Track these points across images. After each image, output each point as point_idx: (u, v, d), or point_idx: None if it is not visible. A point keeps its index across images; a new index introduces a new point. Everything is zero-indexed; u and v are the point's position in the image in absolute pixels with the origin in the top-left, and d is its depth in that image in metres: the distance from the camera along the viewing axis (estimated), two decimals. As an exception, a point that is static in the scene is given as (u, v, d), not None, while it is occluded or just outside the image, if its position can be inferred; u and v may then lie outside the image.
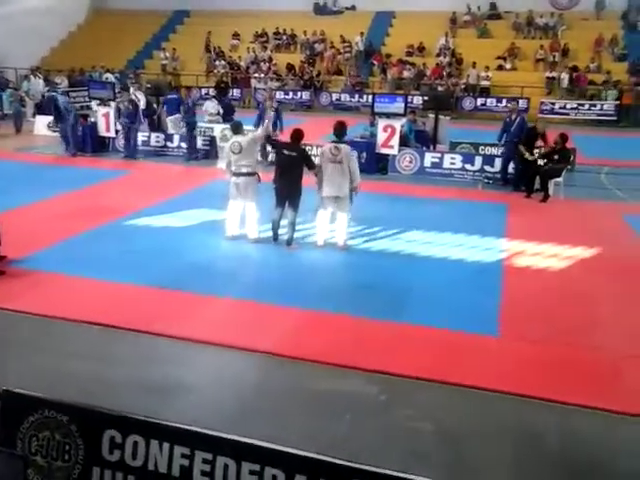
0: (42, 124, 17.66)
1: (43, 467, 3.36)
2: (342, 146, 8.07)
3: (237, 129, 8.61)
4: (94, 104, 15.56)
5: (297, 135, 8.15)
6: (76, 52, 28.21)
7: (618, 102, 22.30)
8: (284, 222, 8.24)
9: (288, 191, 8.01)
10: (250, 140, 8.32)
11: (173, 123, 15.26)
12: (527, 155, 11.36)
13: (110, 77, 23.84)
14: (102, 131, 14.88)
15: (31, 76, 22.22)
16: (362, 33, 27.42)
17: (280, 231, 8.28)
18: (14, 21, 26.04)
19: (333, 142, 8.16)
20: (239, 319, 6.17)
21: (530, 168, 11.39)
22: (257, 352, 5.46)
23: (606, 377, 5.21)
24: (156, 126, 15.55)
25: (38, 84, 21.53)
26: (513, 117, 12.25)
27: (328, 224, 8.34)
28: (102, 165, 13.68)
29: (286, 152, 8.01)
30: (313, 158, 8.61)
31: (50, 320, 5.98)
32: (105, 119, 14.78)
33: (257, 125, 13.26)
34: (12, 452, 3.21)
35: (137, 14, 31.25)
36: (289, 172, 7.93)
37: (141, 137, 14.83)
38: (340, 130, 8.28)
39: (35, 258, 7.55)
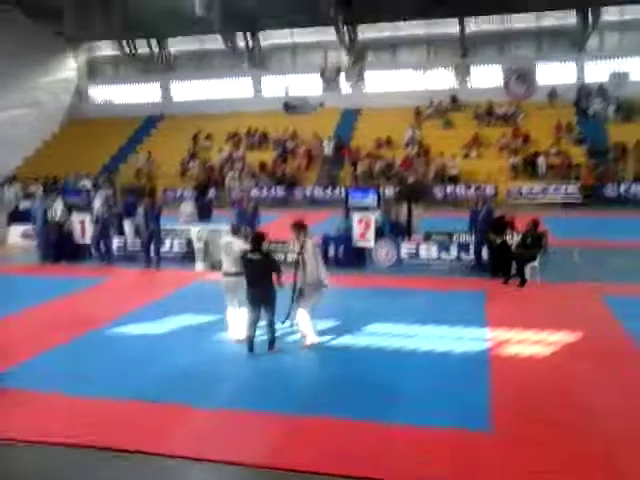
0: (16, 233, 17.59)
1: None
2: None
3: (236, 232, 8.82)
4: (59, 210, 15.55)
5: (257, 239, 7.99)
6: (51, 160, 28.69)
7: (580, 184, 23.16)
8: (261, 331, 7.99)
9: (261, 295, 7.77)
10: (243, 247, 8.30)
11: (130, 226, 15.29)
12: (496, 239, 11.62)
13: (87, 184, 24.14)
14: (78, 238, 14.84)
15: (5, 185, 22.41)
16: (330, 137, 28.31)
17: (259, 331, 8.08)
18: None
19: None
20: (221, 431, 5.92)
21: (504, 253, 11.57)
22: (242, 465, 5.22)
23: (600, 465, 5.04)
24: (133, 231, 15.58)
25: (11, 193, 21.68)
26: (479, 206, 12.60)
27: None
28: (79, 273, 13.55)
29: (250, 256, 7.81)
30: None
31: (23, 445, 5.65)
32: (81, 226, 14.79)
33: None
34: None
35: (112, 120, 32.18)
36: (257, 276, 7.72)
37: (116, 242, 14.83)
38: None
39: (8, 376, 7.22)
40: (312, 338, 8.22)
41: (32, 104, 30.96)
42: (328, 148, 27.32)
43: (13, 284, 12.42)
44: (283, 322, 7.98)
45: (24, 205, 18.09)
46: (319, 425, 5.93)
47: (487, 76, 30.29)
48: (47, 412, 6.34)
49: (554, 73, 29.31)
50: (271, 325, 7.87)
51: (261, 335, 8.00)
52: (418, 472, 5.04)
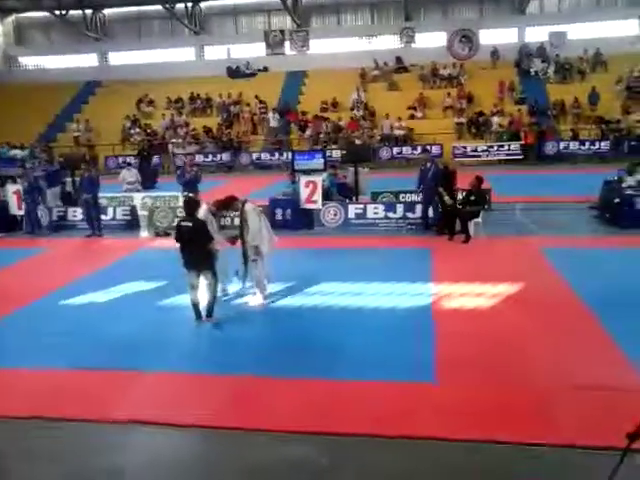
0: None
1: None
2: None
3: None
4: None
5: (190, 205, 7.82)
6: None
7: (522, 142, 23.66)
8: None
9: (195, 261, 7.51)
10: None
11: (52, 196, 14.87)
12: (446, 199, 11.76)
13: (18, 153, 23.10)
14: (14, 209, 14.27)
15: None
16: (274, 109, 27.70)
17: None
18: None
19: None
20: (175, 393, 5.88)
21: (450, 211, 11.76)
22: (192, 426, 5.20)
23: (538, 413, 5.25)
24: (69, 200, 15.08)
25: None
26: (428, 165, 12.68)
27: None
28: (15, 244, 13.05)
29: (182, 224, 7.61)
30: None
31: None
32: (16, 197, 14.20)
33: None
34: None
35: (46, 87, 30.74)
36: (189, 242, 7.46)
37: (56, 212, 14.36)
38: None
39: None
40: (258, 299, 8.26)
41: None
42: (274, 120, 26.78)
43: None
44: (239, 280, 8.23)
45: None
46: (265, 384, 5.95)
47: (431, 38, 30.27)
48: (-15, 385, 6.15)
49: (496, 34, 29.56)
50: (210, 292, 7.61)
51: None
52: (365, 422, 5.13)
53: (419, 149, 23.11)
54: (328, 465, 4.62)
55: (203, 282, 7.62)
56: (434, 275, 9.30)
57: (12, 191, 14.24)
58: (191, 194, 12.72)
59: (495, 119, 25.08)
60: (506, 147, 23.72)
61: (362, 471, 4.57)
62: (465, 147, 23.94)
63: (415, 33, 30.28)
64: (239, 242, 8.37)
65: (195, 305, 7.61)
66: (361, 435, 4.95)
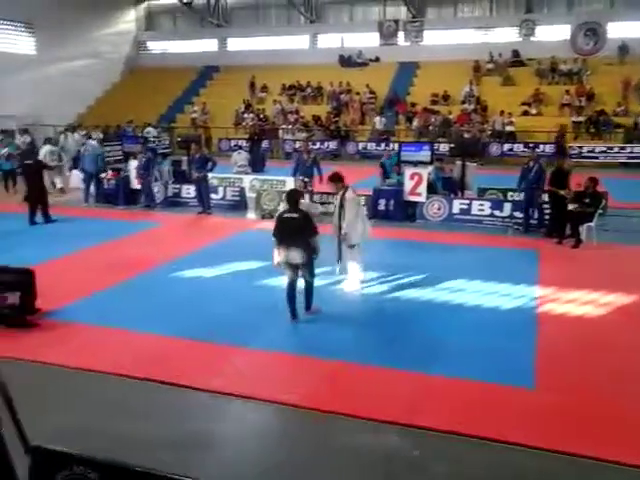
0: (77, 178, 18.16)
1: (72, 526, 3.30)
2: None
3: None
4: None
5: (293, 197, 7.44)
6: (111, 109, 29.33)
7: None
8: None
9: (295, 255, 7.14)
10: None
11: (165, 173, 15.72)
12: (562, 192, 11.23)
13: (152, 131, 24.56)
14: (134, 184, 15.26)
15: (68, 133, 22.98)
16: (381, 113, 27.31)
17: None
18: (54, 82, 27.36)
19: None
20: (270, 371, 6.13)
21: (563, 212, 11.24)
22: (287, 405, 5.38)
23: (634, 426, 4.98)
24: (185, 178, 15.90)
25: (74, 140, 22.25)
26: (531, 164, 12.13)
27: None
28: (134, 217, 13.97)
29: (286, 216, 7.27)
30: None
31: (82, 373, 6.01)
32: (136, 172, 15.17)
33: (294, 175, 13.88)
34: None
35: (169, 71, 32.51)
36: (293, 237, 7.10)
37: (172, 189, 15.22)
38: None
39: (68, 310, 7.66)
40: (354, 284, 8.39)
41: (93, 55, 31.53)
42: (380, 123, 26.50)
43: (73, 226, 12.96)
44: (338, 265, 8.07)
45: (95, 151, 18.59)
46: (359, 371, 6.04)
47: (553, 31, 28.77)
48: (102, 345, 6.70)
49: (626, 27, 27.53)
50: (308, 286, 7.41)
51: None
52: (457, 420, 5.09)
53: (530, 147, 22.20)
54: (420, 458, 4.65)
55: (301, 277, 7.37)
56: (540, 278, 8.96)
57: (133, 167, 15.22)
58: (307, 179, 13.10)
59: (618, 119, 23.55)
60: (628, 149, 22.26)
61: (454, 467, 4.55)
62: (581, 147, 22.71)
63: (536, 26, 28.94)
64: (331, 227, 8.45)
65: (292, 303, 7.31)
66: (451, 433, 4.91)
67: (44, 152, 16.44)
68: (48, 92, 26.47)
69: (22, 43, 28.19)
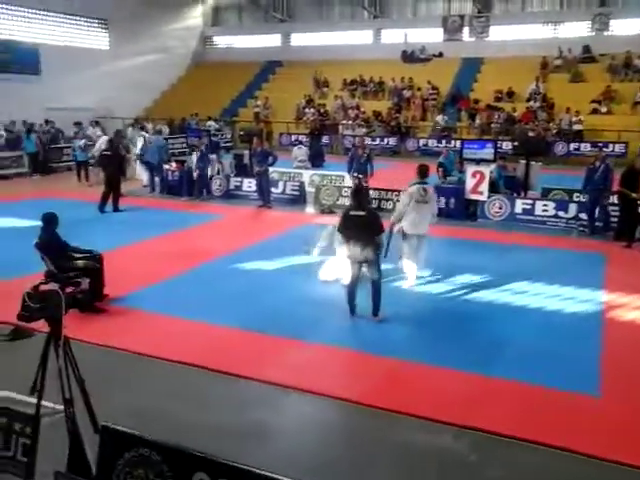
0: (143, 169, 18.74)
1: (136, 505, 3.45)
2: (429, 187, 8.53)
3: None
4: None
5: (359, 195, 7.53)
6: (176, 102, 30.08)
7: None
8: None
9: (361, 253, 7.06)
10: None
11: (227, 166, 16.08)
12: (633, 195, 10.80)
13: (213, 125, 25.08)
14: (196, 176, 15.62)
15: (135, 126, 23.72)
16: (443, 110, 26.95)
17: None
18: (124, 76, 28.32)
19: (419, 184, 8.43)
20: (329, 366, 6.18)
21: (633, 215, 10.80)
22: (345, 401, 5.41)
23: None
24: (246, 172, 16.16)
25: (138, 132, 22.96)
26: (597, 164, 11.66)
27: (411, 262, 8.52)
28: (198, 209, 14.31)
29: (352, 213, 7.21)
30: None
31: (147, 359, 6.24)
32: (194, 164, 15.52)
33: (349, 171, 13.78)
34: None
35: (233, 65, 33.06)
36: (360, 234, 7.03)
37: (233, 182, 15.51)
38: (425, 172, 8.47)
39: (133, 297, 7.95)
40: (410, 281, 8.42)
41: (161, 49, 32.38)
42: (442, 120, 25.97)
43: (139, 216, 13.42)
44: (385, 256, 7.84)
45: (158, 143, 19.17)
46: (418, 371, 6.02)
47: (628, 25, 27.51)
48: (165, 332, 6.93)
49: None
50: (377, 286, 7.19)
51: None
52: (516, 425, 5.00)
53: (598, 147, 21.37)
54: (476, 461, 4.59)
55: (366, 275, 7.24)
56: (607, 283, 8.66)
57: (196, 159, 15.58)
58: (361, 175, 13.08)
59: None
60: None
61: (507, 472, 4.47)
62: (655, 148, 21.66)
63: (609, 19, 27.76)
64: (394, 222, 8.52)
65: (352, 300, 7.26)
66: (510, 437, 4.82)
67: (100, 143, 17.15)
68: (118, 86, 27.40)
69: (97, 39, 29.29)
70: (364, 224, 7.04)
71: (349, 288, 7.30)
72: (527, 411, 5.25)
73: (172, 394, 5.56)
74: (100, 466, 3.63)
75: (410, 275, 8.52)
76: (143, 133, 18.14)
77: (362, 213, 7.13)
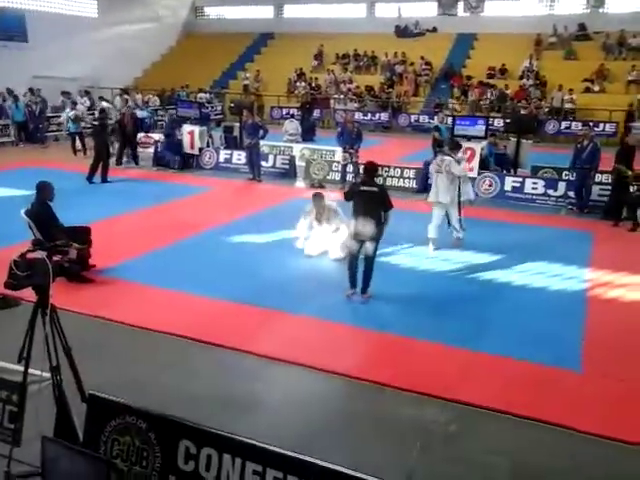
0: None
1: (123, 471, 3.50)
2: (447, 158, 8.94)
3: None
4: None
5: (371, 170, 7.35)
6: (166, 73, 29.63)
7: None
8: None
9: (366, 228, 6.98)
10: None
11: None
12: (629, 172, 10.81)
13: (203, 96, 24.79)
14: (187, 148, 15.50)
15: (124, 95, 23.38)
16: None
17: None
18: (113, 45, 27.82)
19: (442, 154, 9.24)
20: (316, 339, 6.22)
21: (624, 193, 10.84)
22: (331, 373, 5.48)
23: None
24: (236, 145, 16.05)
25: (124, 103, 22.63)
26: (585, 143, 11.66)
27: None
28: (187, 181, 14.22)
29: (364, 188, 7.11)
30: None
31: (134, 329, 6.25)
32: (190, 137, 15.39)
33: (340, 145, 13.65)
34: (97, 455, 3.36)
35: (224, 36, 32.55)
36: (369, 210, 6.97)
37: (223, 155, 15.40)
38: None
39: (121, 268, 7.94)
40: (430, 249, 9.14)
41: (152, 19, 31.82)
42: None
43: (128, 187, 13.32)
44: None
45: (141, 114, 18.93)
46: (406, 345, 6.09)
47: (624, 2, 27.25)
48: (153, 304, 6.95)
49: None
50: (370, 264, 7.10)
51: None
52: (497, 398, 5.08)
53: (591, 125, 21.37)
54: (456, 432, 4.68)
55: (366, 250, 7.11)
56: (592, 261, 8.75)
57: (187, 131, 15.45)
58: (352, 150, 13.02)
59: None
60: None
61: (490, 444, 4.56)
62: (646, 127, 21.71)
63: (609, -6, 27.54)
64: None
65: (353, 275, 7.19)
66: (493, 410, 4.92)
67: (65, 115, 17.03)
68: (107, 55, 26.94)
69: (85, 6, 28.65)
70: (376, 200, 6.95)
71: (350, 263, 7.22)
72: (510, 385, 5.34)
73: (159, 364, 5.60)
74: (87, 433, 3.67)
75: (431, 242, 9.10)
76: (104, 103, 17.97)
77: (374, 189, 7.03)
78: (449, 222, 9.31)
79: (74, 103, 19.61)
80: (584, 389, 5.32)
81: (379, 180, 13.28)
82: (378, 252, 7.20)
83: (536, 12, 28.71)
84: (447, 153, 9.17)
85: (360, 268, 7.17)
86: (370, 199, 6.95)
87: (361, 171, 9.18)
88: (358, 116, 24.51)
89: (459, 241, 9.31)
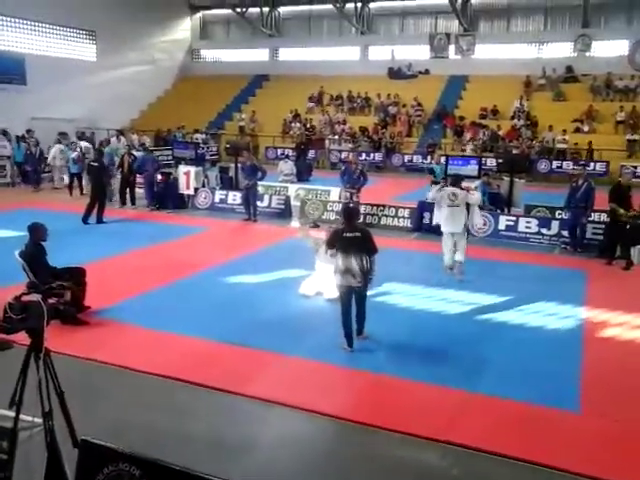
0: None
1: (115, 521, 3.40)
2: (459, 192, 9.43)
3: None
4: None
5: (351, 216, 7.15)
6: (163, 114, 30.05)
7: None
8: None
9: (355, 272, 6.76)
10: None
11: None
12: (621, 211, 10.84)
13: (199, 137, 25.06)
14: (182, 188, 15.58)
15: (120, 136, 23.59)
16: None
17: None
18: (110, 88, 28.29)
19: (452, 187, 9.64)
20: (309, 380, 6.15)
21: (619, 231, 10.89)
22: (325, 415, 5.40)
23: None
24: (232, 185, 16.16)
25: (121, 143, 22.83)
26: (580, 182, 11.78)
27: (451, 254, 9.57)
28: (182, 221, 14.26)
29: (348, 235, 6.87)
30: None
31: (129, 372, 6.17)
32: (186, 177, 15.50)
33: (343, 184, 13.88)
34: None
35: (220, 79, 33.14)
36: (353, 254, 6.75)
37: (219, 195, 15.49)
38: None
39: (116, 309, 7.88)
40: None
41: (148, 62, 32.45)
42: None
43: (123, 228, 13.34)
44: None
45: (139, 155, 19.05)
46: (400, 386, 6.02)
47: (609, 47, 28.06)
48: (147, 346, 6.88)
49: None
50: (361, 308, 6.95)
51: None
52: (497, 440, 5.01)
53: (580, 165, 21.68)
54: (456, 476, 4.60)
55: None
56: (588, 299, 8.76)
57: (183, 172, 15.56)
58: (354, 190, 13.15)
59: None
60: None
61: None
62: (636, 167, 22.02)
63: (592, 41, 28.29)
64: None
65: (349, 332, 6.86)
66: (491, 453, 4.84)
67: (54, 151, 17.21)
68: (104, 97, 27.35)
69: (84, 50, 29.25)
70: (359, 245, 6.80)
71: (345, 321, 6.88)
72: (508, 427, 5.27)
73: (153, 407, 5.51)
74: (79, 480, 3.58)
75: (449, 268, 9.58)
76: (81, 142, 18.35)
77: (357, 234, 6.87)
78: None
79: (74, 144, 19.79)
80: (583, 430, 5.25)
81: (374, 219, 13.45)
82: (372, 291, 7.16)
83: (525, 55, 29.47)
84: (454, 187, 9.62)
85: (354, 312, 7.01)
86: (353, 244, 6.78)
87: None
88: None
89: (461, 265, 9.62)
